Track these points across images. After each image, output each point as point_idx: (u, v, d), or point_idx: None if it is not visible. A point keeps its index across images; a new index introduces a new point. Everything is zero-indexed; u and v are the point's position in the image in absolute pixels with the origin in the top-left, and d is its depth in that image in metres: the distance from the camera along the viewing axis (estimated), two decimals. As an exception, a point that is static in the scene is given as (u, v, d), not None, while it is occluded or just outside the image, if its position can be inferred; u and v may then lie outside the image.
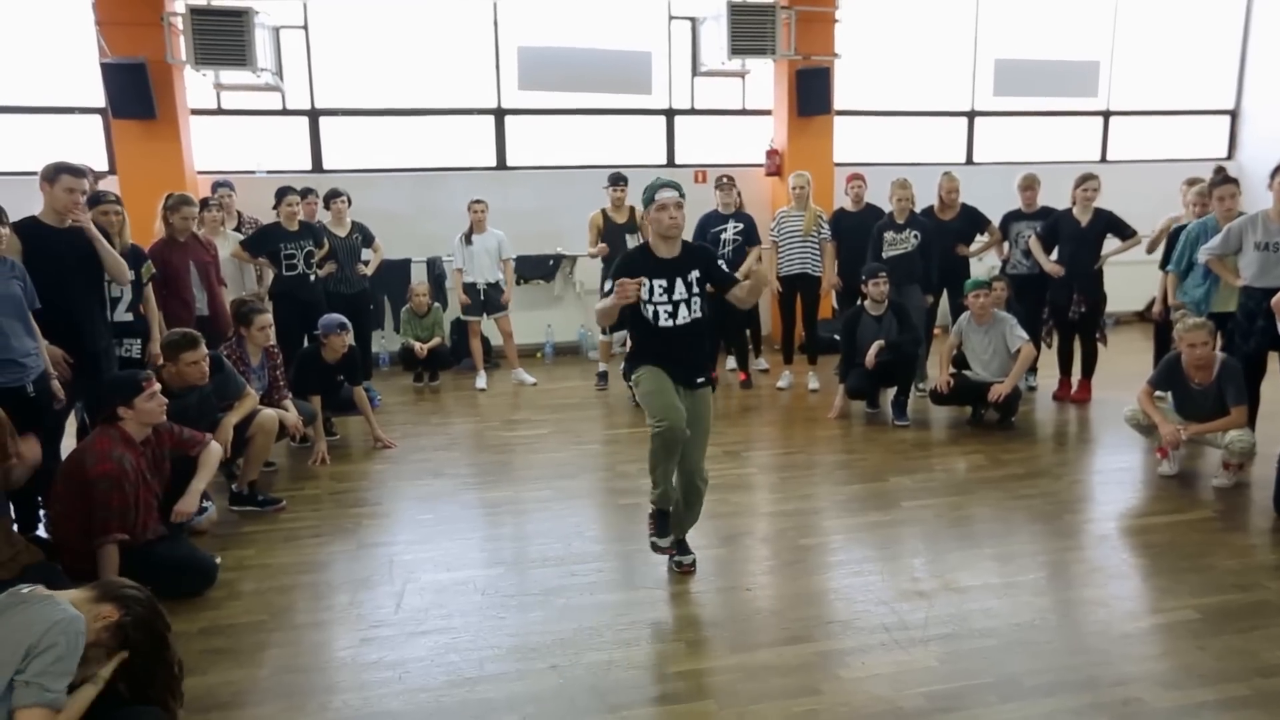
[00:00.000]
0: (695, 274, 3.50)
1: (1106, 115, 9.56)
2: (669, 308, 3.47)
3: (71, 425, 4.57)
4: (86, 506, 3.31)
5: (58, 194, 3.97)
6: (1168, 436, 4.56)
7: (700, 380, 3.56)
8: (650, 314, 3.47)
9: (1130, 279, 6.63)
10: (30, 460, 3.51)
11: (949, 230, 6.45)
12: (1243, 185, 5.59)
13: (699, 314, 3.52)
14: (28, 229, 3.98)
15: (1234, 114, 9.80)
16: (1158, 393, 4.85)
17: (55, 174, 3.96)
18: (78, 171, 4.01)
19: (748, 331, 7.25)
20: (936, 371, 5.92)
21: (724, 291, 3.59)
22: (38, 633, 2.16)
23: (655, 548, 3.67)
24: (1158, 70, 9.50)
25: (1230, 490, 4.52)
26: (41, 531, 3.83)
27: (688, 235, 6.70)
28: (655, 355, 3.50)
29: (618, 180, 6.79)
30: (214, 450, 3.86)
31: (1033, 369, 6.36)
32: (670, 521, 3.65)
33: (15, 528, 3.60)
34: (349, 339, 5.44)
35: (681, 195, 3.48)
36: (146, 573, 3.41)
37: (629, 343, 6.37)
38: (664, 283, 3.45)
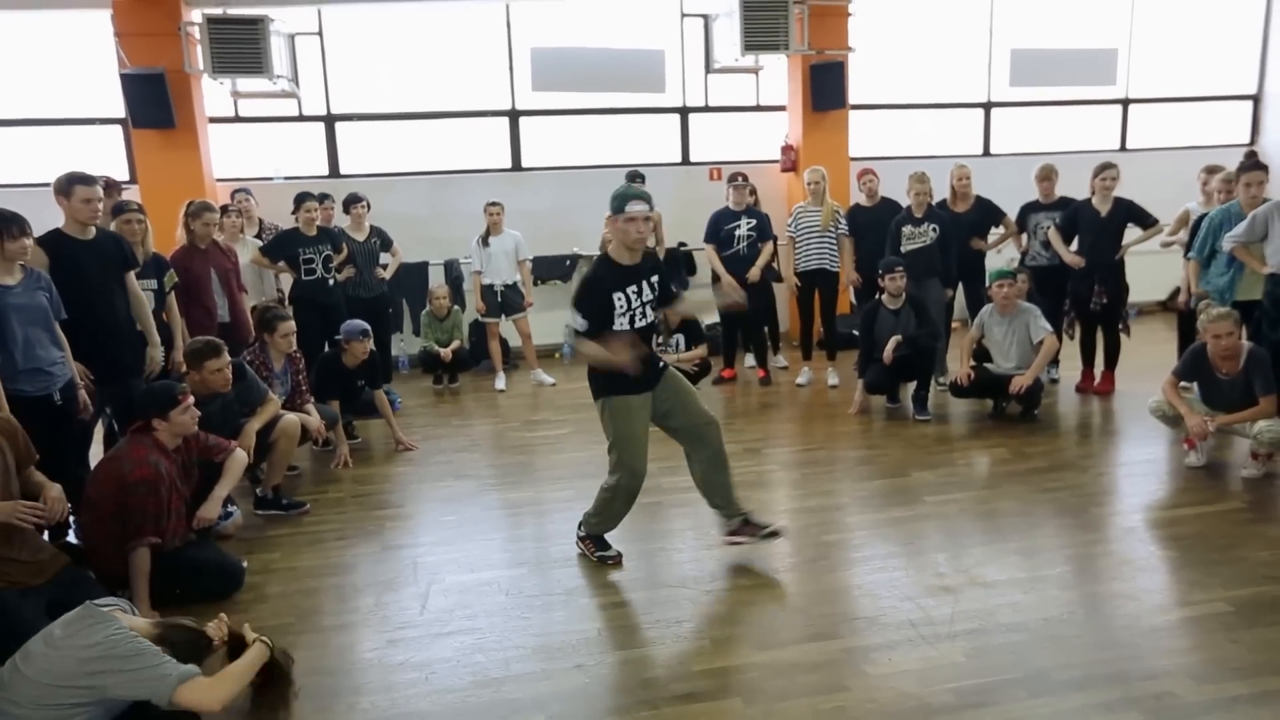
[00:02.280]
0: (655, 278, 3.63)
1: (1125, 103, 9.44)
2: (641, 309, 3.58)
3: (98, 433, 4.63)
4: (119, 512, 3.35)
5: (76, 205, 4.02)
6: (1195, 428, 4.50)
7: (661, 367, 3.72)
8: (626, 323, 3.55)
9: (1153, 268, 6.55)
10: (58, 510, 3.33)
11: (963, 223, 6.40)
12: (1268, 170, 5.51)
13: (652, 320, 3.68)
14: (52, 242, 4.03)
15: (1256, 99, 9.65)
16: (1183, 383, 4.79)
17: (69, 185, 4.00)
18: (89, 180, 4.05)
19: (766, 329, 7.23)
20: (957, 365, 5.88)
21: (667, 305, 3.77)
22: (103, 649, 2.39)
23: (604, 561, 3.76)
24: (1177, 56, 9.36)
25: (1260, 481, 4.45)
26: (71, 537, 3.88)
27: (700, 232, 6.85)
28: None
29: (634, 179, 6.80)
30: (239, 457, 3.90)
31: (1055, 361, 6.31)
32: (720, 506, 3.81)
33: (46, 535, 3.64)
34: (370, 344, 5.47)
35: (651, 207, 3.55)
36: (175, 576, 3.48)
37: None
38: (634, 288, 3.55)
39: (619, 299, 3.52)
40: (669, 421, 3.74)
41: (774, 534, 3.78)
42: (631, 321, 3.56)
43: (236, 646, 2.74)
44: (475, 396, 7.02)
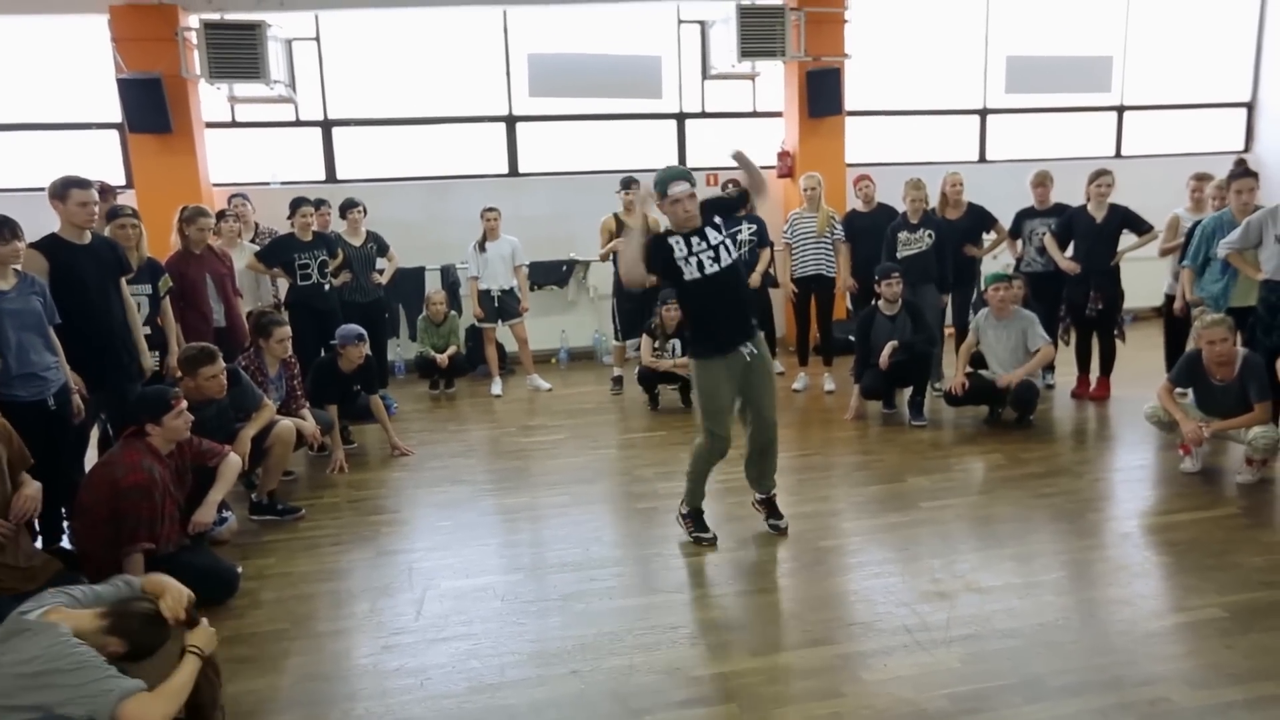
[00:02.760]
0: (716, 218, 3.75)
1: (1120, 110, 9.48)
2: (710, 253, 3.68)
3: (94, 437, 4.61)
4: (113, 517, 3.34)
5: (72, 209, 4.00)
6: (1190, 434, 4.51)
7: (748, 341, 3.81)
8: (695, 265, 3.67)
9: (1148, 274, 6.56)
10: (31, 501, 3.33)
11: (956, 230, 6.41)
12: (1260, 177, 5.53)
13: (731, 262, 3.74)
14: (50, 246, 4.02)
15: (1250, 106, 9.70)
16: (1178, 389, 4.80)
17: (64, 189, 3.99)
18: (84, 183, 4.03)
19: (763, 334, 7.21)
20: (952, 371, 5.89)
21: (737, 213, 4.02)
22: (43, 664, 2.25)
23: (700, 542, 3.94)
24: (1172, 63, 9.40)
25: (1254, 486, 4.46)
26: (65, 543, 3.87)
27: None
28: (709, 322, 3.77)
29: (630, 184, 6.81)
30: (232, 462, 3.90)
31: (1050, 367, 6.33)
32: (752, 479, 4.07)
33: (39, 542, 3.64)
34: (366, 349, 5.47)
35: (693, 185, 3.67)
36: (169, 582, 3.46)
37: (642, 349, 6.44)
38: (695, 237, 3.68)
39: (677, 243, 3.68)
40: (745, 396, 3.89)
41: (776, 528, 4.05)
42: (700, 267, 3.68)
43: (194, 623, 2.62)
44: (471, 402, 7.02)
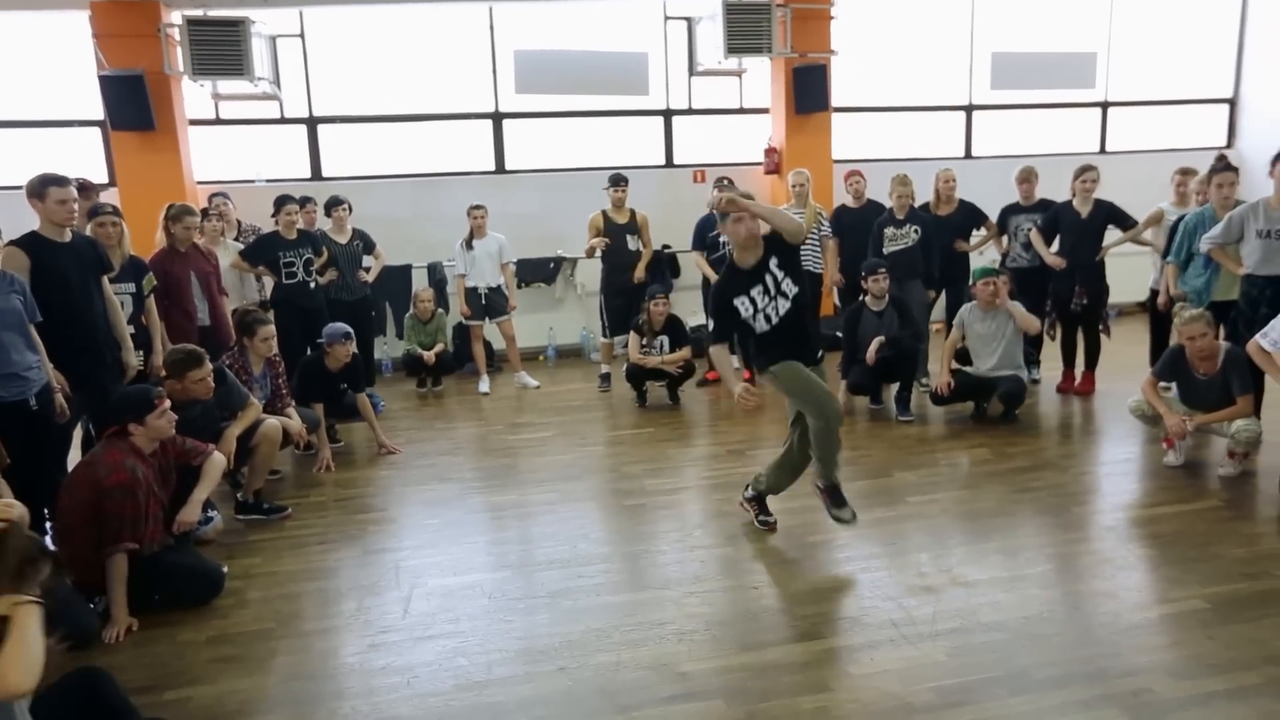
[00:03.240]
0: (774, 261, 3.65)
1: (1105, 106, 9.54)
2: (773, 306, 3.66)
3: (76, 437, 4.57)
4: (96, 517, 3.31)
5: (51, 207, 3.96)
6: (1174, 428, 4.54)
7: (820, 356, 3.86)
8: (762, 318, 3.67)
9: (1133, 270, 6.61)
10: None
11: (947, 226, 6.45)
12: (1242, 173, 5.58)
13: (796, 291, 3.69)
14: (31, 244, 3.98)
15: (1233, 102, 9.77)
16: (1162, 383, 4.83)
17: (42, 187, 3.94)
18: (63, 181, 3.99)
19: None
20: (938, 368, 5.90)
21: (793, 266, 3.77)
22: None
23: (765, 525, 4.05)
24: (1155, 60, 9.47)
25: (1236, 479, 4.50)
26: (48, 543, 3.83)
27: (688, 236, 6.86)
28: (778, 349, 3.73)
29: (618, 181, 6.81)
30: (216, 460, 3.87)
31: (1036, 362, 6.36)
32: (827, 472, 3.86)
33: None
34: (353, 348, 5.44)
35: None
36: (154, 582, 3.45)
37: (630, 346, 6.44)
38: (759, 288, 3.64)
39: (742, 304, 3.66)
40: None
41: (840, 517, 3.87)
42: (768, 319, 3.68)
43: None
44: (459, 400, 7.00)
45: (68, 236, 4.07)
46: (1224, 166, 5.28)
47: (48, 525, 3.93)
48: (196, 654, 3.16)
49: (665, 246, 8.04)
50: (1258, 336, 4.26)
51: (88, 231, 4.49)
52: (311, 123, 8.07)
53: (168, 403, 3.58)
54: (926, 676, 2.83)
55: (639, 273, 6.86)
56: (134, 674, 3.00)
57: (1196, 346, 4.50)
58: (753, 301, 3.66)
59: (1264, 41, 9.42)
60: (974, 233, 6.62)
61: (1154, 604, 3.29)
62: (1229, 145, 9.67)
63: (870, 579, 3.55)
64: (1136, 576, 3.55)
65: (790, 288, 3.69)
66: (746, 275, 3.68)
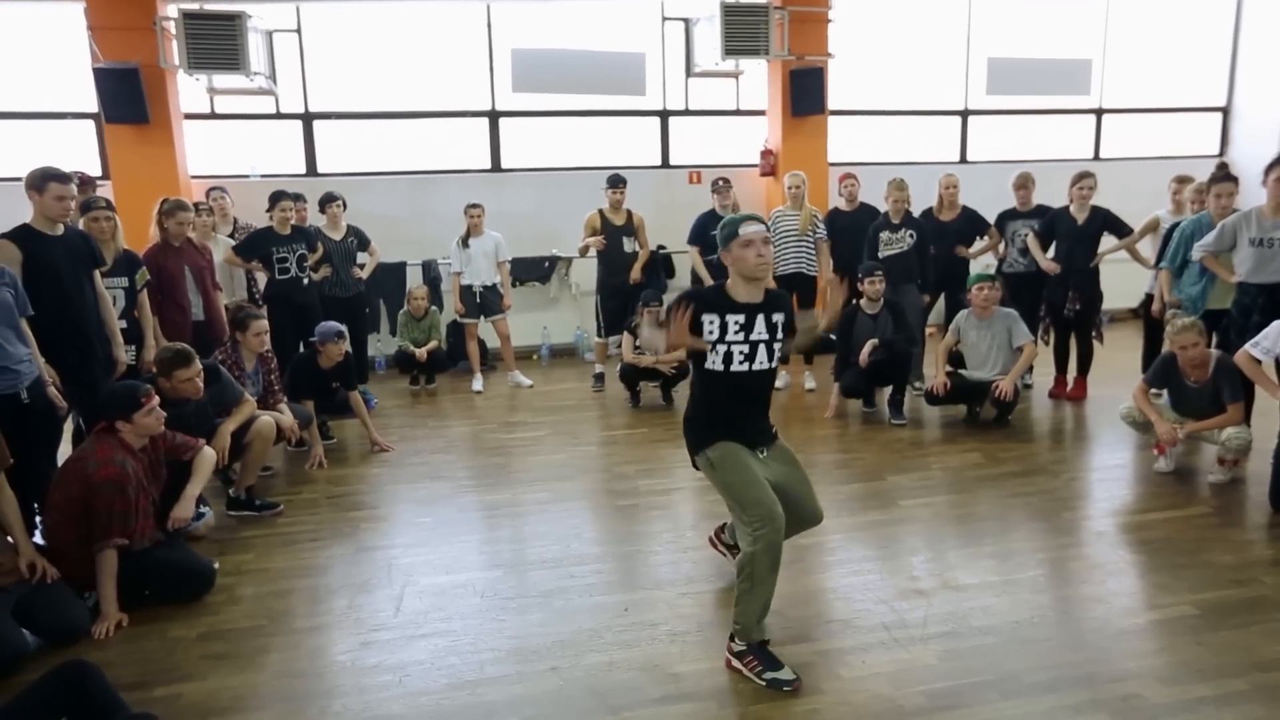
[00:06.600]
0: (779, 317, 3.01)
1: (1099, 113, 9.58)
2: (745, 349, 2.95)
3: (67, 431, 4.55)
4: (85, 513, 3.30)
5: (48, 202, 3.95)
6: (1165, 435, 4.57)
7: (772, 433, 3.15)
8: (722, 355, 2.94)
9: (1126, 276, 6.65)
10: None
11: (949, 231, 6.47)
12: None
13: (774, 364, 3.04)
14: (23, 237, 3.96)
15: (1226, 110, 9.83)
16: (1153, 390, 4.86)
17: (43, 181, 3.93)
18: (64, 177, 3.98)
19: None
20: (932, 371, 5.93)
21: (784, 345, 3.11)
22: None
23: (779, 686, 2.81)
24: (1150, 67, 9.53)
25: (1226, 486, 4.53)
26: (38, 538, 3.81)
27: (683, 236, 6.87)
28: (721, 413, 3.02)
29: (617, 182, 6.82)
30: (207, 455, 3.86)
31: (1029, 367, 6.38)
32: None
33: (10, 538, 3.58)
34: (345, 346, 5.43)
35: (767, 227, 3.04)
36: (144, 578, 3.44)
37: (624, 346, 6.44)
38: (741, 319, 2.94)
39: (710, 321, 2.92)
40: (775, 485, 2.99)
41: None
42: (727, 360, 2.94)
43: None
44: (452, 398, 6.99)
45: (60, 230, 4.05)
46: (1224, 176, 5.28)
47: (37, 520, 3.92)
48: (187, 650, 3.15)
49: (660, 247, 8.05)
50: (1248, 346, 4.29)
51: (81, 225, 4.46)
52: (307, 118, 8.05)
53: (156, 400, 3.56)
54: (917, 680, 2.84)
55: (635, 274, 6.87)
56: (124, 670, 2.99)
57: (1188, 356, 4.53)
58: (724, 328, 2.93)
59: (1258, 50, 9.49)
60: (976, 240, 6.63)
61: (1143, 610, 3.30)
62: (1222, 153, 9.74)
63: (862, 582, 3.56)
64: (1126, 582, 3.57)
65: (764, 357, 2.99)
66: (733, 302, 2.97)
